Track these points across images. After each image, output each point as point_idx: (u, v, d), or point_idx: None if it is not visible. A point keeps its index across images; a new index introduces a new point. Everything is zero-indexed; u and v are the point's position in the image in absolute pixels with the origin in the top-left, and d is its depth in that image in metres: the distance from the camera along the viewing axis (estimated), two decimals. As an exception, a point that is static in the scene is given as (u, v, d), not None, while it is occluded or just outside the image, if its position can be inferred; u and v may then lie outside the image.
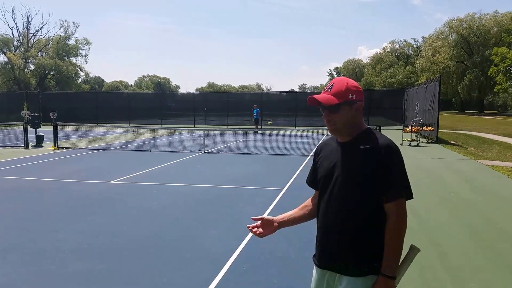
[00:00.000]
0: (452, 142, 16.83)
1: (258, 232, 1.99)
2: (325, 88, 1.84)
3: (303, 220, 2.07)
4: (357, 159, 1.74)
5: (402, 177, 1.72)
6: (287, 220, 2.07)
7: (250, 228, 2.01)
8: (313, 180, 2.01)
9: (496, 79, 48.02)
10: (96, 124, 26.87)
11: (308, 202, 2.09)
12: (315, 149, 2.08)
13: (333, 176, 1.81)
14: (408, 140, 15.85)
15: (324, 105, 1.76)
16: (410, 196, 1.75)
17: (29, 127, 15.73)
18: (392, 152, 1.71)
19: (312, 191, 2.05)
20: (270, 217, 2.04)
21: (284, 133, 22.79)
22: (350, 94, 1.77)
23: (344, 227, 1.76)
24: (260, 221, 2.01)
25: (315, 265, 1.92)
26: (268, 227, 2.01)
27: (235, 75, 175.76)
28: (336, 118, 1.77)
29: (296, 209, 2.11)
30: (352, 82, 1.81)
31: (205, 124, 30.81)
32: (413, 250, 1.75)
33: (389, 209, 1.71)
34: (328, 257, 1.82)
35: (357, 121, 1.80)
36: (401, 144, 15.56)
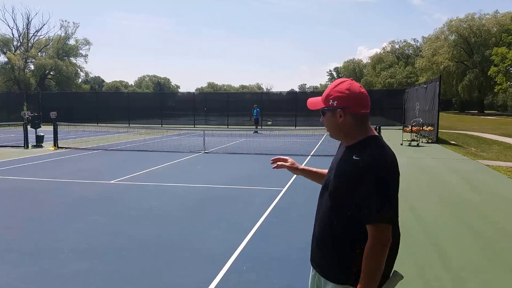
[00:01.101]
0: (452, 142, 16.83)
1: (280, 163, 2.17)
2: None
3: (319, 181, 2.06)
4: (347, 170, 1.66)
5: (384, 200, 1.56)
6: (308, 172, 2.17)
7: (274, 160, 2.19)
8: None
9: (496, 79, 48.02)
10: (96, 124, 26.87)
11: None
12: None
13: (328, 179, 1.80)
14: (408, 140, 15.85)
15: (319, 108, 1.76)
16: (384, 221, 1.57)
17: (29, 127, 15.73)
18: (377, 173, 1.56)
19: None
20: (294, 162, 2.22)
21: (284, 133, 22.79)
22: (331, 100, 1.69)
23: (324, 232, 1.76)
24: (285, 160, 2.20)
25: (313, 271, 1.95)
26: (291, 166, 2.19)
27: (235, 75, 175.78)
28: (325, 122, 1.77)
29: (322, 170, 2.13)
30: (341, 86, 1.70)
31: (205, 124, 30.82)
32: (395, 276, 1.70)
33: (368, 230, 1.60)
34: (313, 257, 1.87)
35: (352, 129, 1.70)
36: (401, 144, 15.57)
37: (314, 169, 2.15)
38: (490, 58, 48.10)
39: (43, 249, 4.47)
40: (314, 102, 1.76)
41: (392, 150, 1.72)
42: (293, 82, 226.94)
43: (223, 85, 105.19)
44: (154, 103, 34.46)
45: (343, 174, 1.68)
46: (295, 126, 28.70)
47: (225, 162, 11.44)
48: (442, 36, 57.56)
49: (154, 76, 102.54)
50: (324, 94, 1.74)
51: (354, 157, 1.64)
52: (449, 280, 3.73)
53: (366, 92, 1.74)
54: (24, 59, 52.66)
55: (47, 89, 53.37)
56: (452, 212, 6.08)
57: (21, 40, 54.49)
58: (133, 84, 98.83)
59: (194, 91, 54.76)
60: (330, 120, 1.73)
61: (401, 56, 76.93)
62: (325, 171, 2.00)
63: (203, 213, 6.03)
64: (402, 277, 1.70)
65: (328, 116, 1.72)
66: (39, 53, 54.04)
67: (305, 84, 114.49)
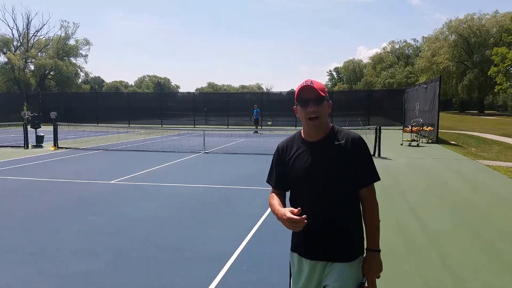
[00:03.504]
0: (452, 142, 16.83)
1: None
2: (306, 83, 1.92)
3: None
4: (335, 156, 1.90)
5: (373, 164, 1.97)
6: None
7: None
8: (281, 181, 2.07)
9: (496, 79, 48.01)
10: (96, 124, 26.86)
11: (277, 199, 2.07)
12: (277, 148, 2.11)
13: (312, 174, 1.90)
14: (408, 140, 15.85)
15: (319, 94, 1.90)
16: (378, 178, 1.98)
17: (29, 127, 15.73)
18: (364, 145, 1.95)
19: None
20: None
21: (284, 133, 22.77)
22: (327, 92, 1.98)
23: (330, 218, 1.90)
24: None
25: (298, 259, 1.99)
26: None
27: (235, 75, 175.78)
28: (321, 111, 1.92)
29: (279, 202, 2.08)
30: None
31: (205, 124, 30.82)
32: None
33: (366, 193, 1.95)
34: (318, 248, 1.91)
35: (328, 119, 2.00)
36: (401, 144, 15.57)
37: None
38: (490, 58, 48.09)
39: (43, 249, 4.47)
40: (318, 89, 1.92)
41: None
42: (293, 82, 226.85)
43: (223, 85, 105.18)
44: (154, 103, 34.44)
45: (335, 160, 1.90)
46: (295, 126, 28.68)
47: (225, 162, 11.44)
48: (442, 36, 57.56)
49: (154, 76, 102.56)
50: (320, 86, 1.93)
51: (336, 142, 1.92)
52: (449, 280, 3.73)
53: None
54: (24, 59, 52.67)
55: (47, 89, 53.38)
56: (452, 212, 6.08)
57: (21, 40, 54.52)
58: (133, 84, 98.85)
59: (194, 91, 54.71)
60: (326, 109, 1.95)
61: (401, 56, 76.93)
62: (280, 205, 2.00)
63: (203, 213, 6.03)
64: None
65: (325, 105, 1.94)
66: (39, 53, 54.05)
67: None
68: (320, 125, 1.93)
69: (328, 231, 1.90)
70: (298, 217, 1.77)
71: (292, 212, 1.80)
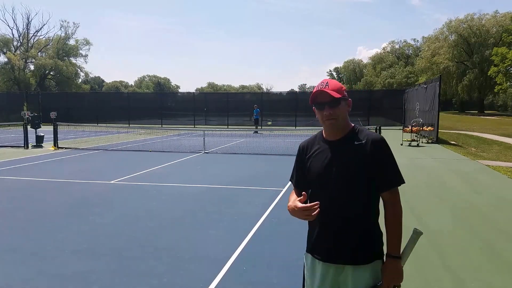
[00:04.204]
0: (452, 142, 16.83)
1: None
2: (321, 85, 1.90)
3: None
4: (354, 155, 1.86)
5: (396, 167, 1.89)
6: None
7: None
8: (301, 180, 2.05)
9: (496, 79, 48.01)
10: (96, 124, 26.87)
11: (295, 197, 2.02)
12: (299, 147, 2.12)
13: (331, 174, 1.88)
14: (408, 140, 15.85)
15: (334, 98, 1.85)
16: (403, 181, 1.90)
17: (29, 127, 15.73)
18: (385, 146, 1.88)
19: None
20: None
21: (284, 133, 22.79)
22: (344, 91, 1.92)
23: (348, 220, 1.86)
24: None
25: (312, 261, 1.96)
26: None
27: (235, 75, 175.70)
28: (338, 112, 1.88)
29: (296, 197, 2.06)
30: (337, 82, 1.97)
31: (205, 124, 30.82)
32: (417, 233, 1.84)
33: (388, 197, 1.89)
34: (331, 250, 1.88)
35: (347, 117, 1.95)
36: (401, 144, 15.57)
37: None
38: (490, 58, 48.10)
39: (43, 249, 4.47)
40: (331, 92, 1.87)
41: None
42: (293, 82, 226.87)
43: (223, 85, 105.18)
44: (154, 103, 34.47)
45: (352, 159, 1.86)
46: (295, 126, 28.69)
47: (225, 162, 11.44)
48: (442, 36, 57.55)
49: (154, 76, 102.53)
50: (336, 86, 1.90)
51: (355, 142, 1.88)
52: (449, 280, 3.73)
53: None
54: (24, 59, 52.67)
55: (47, 89, 53.40)
56: (452, 212, 6.08)
57: (21, 40, 54.52)
58: (133, 84, 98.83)
59: (194, 91, 54.75)
60: (344, 109, 1.91)
61: (401, 56, 76.95)
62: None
63: (203, 213, 6.03)
64: (421, 233, 1.85)
65: (343, 106, 1.90)
66: (39, 53, 54.06)
67: (305, 84, 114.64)
68: (337, 125, 1.90)
69: (342, 233, 1.86)
70: (309, 204, 1.78)
71: (300, 201, 1.82)
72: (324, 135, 2.00)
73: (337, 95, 1.86)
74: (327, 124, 1.90)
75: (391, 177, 1.87)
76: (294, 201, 1.85)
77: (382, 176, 1.86)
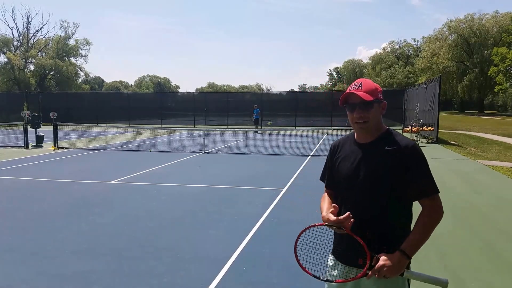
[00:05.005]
0: (452, 142, 16.83)
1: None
2: (353, 86, 1.87)
3: None
4: (384, 160, 1.80)
5: (429, 175, 1.81)
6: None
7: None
8: (330, 179, 2.03)
9: (496, 79, 47.98)
10: (96, 124, 26.87)
11: (328, 201, 2.04)
12: (330, 147, 2.09)
13: (359, 177, 1.85)
14: (408, 140, 15.83)
15: (364, 100, 1.80)
16: (436, 191, 1.82)
17: (29, 127, 15.73)
18: (419, 154, 1.81)
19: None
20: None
21: (284, 133, 22.79)
22: (379, 93, 1.87)
23: (373, 225, 1.81)
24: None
25: (334, 262, 1.95)
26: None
27: (235, 75, 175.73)
28: (370, 115, 1.83)
29: (329, 205, 2.01)
30: (374, 83, 1.91)
31: (205, 124, 30.83)
32: (442, 282, 1.75)
33: (425, 203, 1.81)
34: (352, 253, 1.84)
35: (381, 120, 1.89)
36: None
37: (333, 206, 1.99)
38: (490, 58, 48.09)
39: (43, 249, 4.47)
40: (363, 94, 1.82)
41: None
42: (293, 82, 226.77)
43: (223, 85, 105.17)
44: (154, 103, 34.48)
45: (380, 164, 1.80)
46: (295, 126, 28.69)
47: (225, 162, 11.44)
48: (442, 36, 57.54)
49: (154, 76, 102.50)
50: (369, 88, 1.84)
51: (386, 147, 1.81)
52: (449, 280, 3.72)
53: None
54: (24, 59, 52.67)
55: (47, 89, 53.38)
56: (452, 212, 6.08)
57: (21, 40, 54.51)
58: (133, 84, 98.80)
59: (194, 91, 54.76)
60: (377, 111, 1.85)
61: (401, 56, 76.92)
62: (330, 205, 1.95)
63: (203, 213, 6.03)
64: (446, 284, 1.75)
65: (376, 108, 1.84)
66: (39, 53, 54.05)
67: (305, 84, 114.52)
68: (367, 128, 1.85)
69: (364, 237, 1.80)
70: (342, 217, 1.76)
71: (332, 213, 1.80)
72: (355, 136, 1.96)
73: (368, 98, 1.80)
74: (357, 127, 1.87)
75: (423, 186, 1.79)
76: (328, 213, 1.83)
77: (413, 185, 1.78)
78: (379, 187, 1.80)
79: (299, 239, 1.92)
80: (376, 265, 1.72)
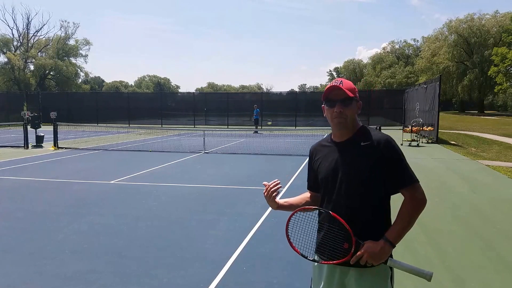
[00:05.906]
0: (452, 142, 16.83)
1: (273, 191, 2.09)
2: (335, 82, 1.91)
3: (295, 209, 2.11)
4: (360, 156, 1.84)
5: (406, 165, 1.85)
6: (286, 206, 2.16)
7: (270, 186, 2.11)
8: (313, 184, 2.08)
9: (496, 79, 47.93)
10: (96, 124, 26.86)
11: (307, 195, 2.15)
12: (309, 152, 2.13)
13: (338, 175, 1.88)
14: (408, 140, 15.84)
15: (348, 96, 1.87)
16: (416, 180, 1.87)
17: (29, 127, 15.73)
18: (393, 147, 1.84)
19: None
20: (276, 199, 2.13)
21: (284, 133, 22.79)
22: (357, 93, 1.94)
23: (355, 222, 1.82)
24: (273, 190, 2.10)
25: (317, 263, 1.96)
26: (272, 200, 2.11)
27: (235, 75, 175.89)
28: (348, 111, 1.88)
29: (298, 198, 2.18)
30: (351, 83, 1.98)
31: (205, 124, 30.82)
32: (425, 274, 1.74)
33: (406, 193, 1.84)
34: (336, 251, 1.86)
35: (357, 119, 1.95)
36: (401, 144, 15.56)
37: (290, 202, 2.16)
38: (490, 58, 48.05)
39: (43, 249, 4.47)
40: (346, 90, 1.89)
41: None
42: (293, 82, 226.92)
43: (223, 85, 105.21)
44: (154, 103, 34.48)
45: (358, 161, 1.84)
46: (295, 126, 28.67)
47: (225, 162, 11.44)
48: (442, 36, 57.51)
49: (154, 76, 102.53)
50: (351, 86, 1.92)
51: (362, 143, 1.85)
52: (449, 280, 3.73)
53: None
54: (24, 59, 52.63)
55: (47, 89, 53.36)
56: (452, 212, 6.08)
57: (21, 40, 54.47)
58: (133, 84, 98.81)
59: (194, 91, 54.78)
60: (354, 110, 1.91)
61: (401, 56, 76.89)
62: (299, 198, 2.16)
63: (203, 213, 6.03)
64: (430, 276, 1.74)
65: (353, 106, 1.91)
66: (39, 53, 54.01)
67: (305, 84, 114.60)
68: (345, 124, 1.89)
69: (365, 229, 1.83)
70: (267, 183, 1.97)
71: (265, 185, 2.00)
72: (332, 136, 2.00)
73: (350, 94, 1.87)
74: (335, 122, 1.89)
75: (401, 178, 1.83)
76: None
77: (393, 177, 1.82)
78: (358, 183, 1.83)
79: (290, 220, 2.00)
80: (360, 250, 1.76)
